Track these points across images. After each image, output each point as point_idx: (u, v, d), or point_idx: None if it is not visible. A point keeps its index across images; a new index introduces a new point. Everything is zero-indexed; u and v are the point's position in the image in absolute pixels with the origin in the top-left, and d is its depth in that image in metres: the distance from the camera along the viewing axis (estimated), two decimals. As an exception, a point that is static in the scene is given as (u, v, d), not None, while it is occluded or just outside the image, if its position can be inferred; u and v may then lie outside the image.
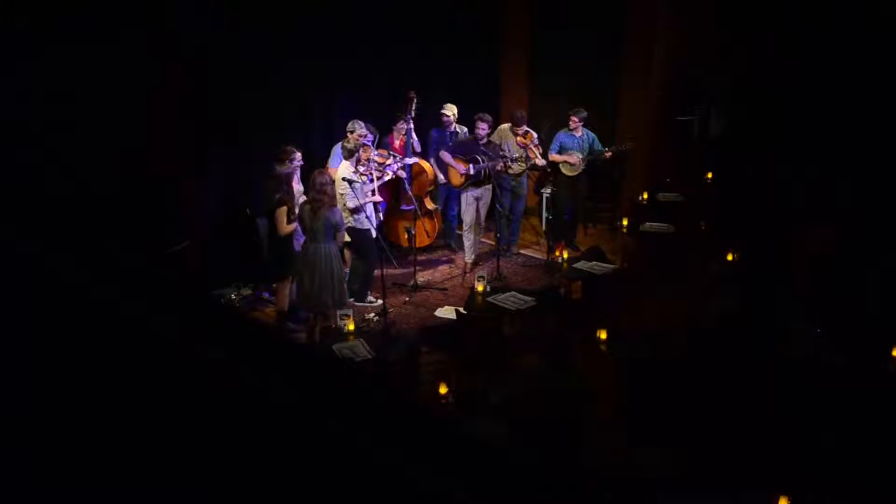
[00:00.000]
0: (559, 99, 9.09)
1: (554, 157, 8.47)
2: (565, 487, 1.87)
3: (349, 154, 7.02)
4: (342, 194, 6.88)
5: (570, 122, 8.39)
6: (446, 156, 7.97)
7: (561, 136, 8.46)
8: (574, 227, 8.91)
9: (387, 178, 7.57)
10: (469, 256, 8.21)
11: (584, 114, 8.34)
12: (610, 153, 8.43)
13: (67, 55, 6.05)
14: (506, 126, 8.57)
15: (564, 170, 8.48)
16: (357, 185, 6.87)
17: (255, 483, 2.07)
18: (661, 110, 9.16)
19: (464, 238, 8.22)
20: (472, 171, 7.82)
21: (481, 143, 7.91)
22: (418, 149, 8.20)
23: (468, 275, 8.09)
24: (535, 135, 8.35)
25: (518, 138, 8.33)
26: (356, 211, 6.93)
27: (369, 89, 8.61)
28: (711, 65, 8.86)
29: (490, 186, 8.04)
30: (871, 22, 7.38)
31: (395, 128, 8.07)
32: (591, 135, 8.44)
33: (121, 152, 6.50)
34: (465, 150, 7.93)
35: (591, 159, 8.44)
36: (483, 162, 7.79)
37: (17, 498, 2.25)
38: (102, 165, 6.33)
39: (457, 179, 8.00)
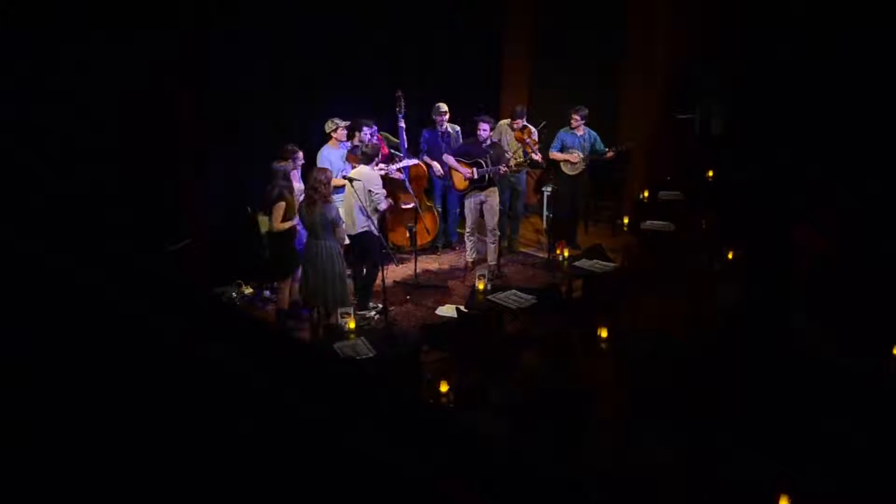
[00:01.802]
0: (560, 98, 9.08)
1: (555, 155, 8.43)
2: (565, 487, 1.87)
3: (369, 159, 6.93)
4: (376, 195, 6.78)
5: (572, 121, 8.34)
6: (450, 160, 7.93)
7: (562, 134, 8.43)
8: (575, 225, 8.88)
9: (399, 175, 7.81)
10: (471, 256, 8.19)
11: (586, 111, 8.28)
12: (612, 153, 8.38)
13: (68, 55, 6.06)
14: (504, 122, 8.58)
15: (565, 168, 8.46)
16: (359, 185, 6.84)
17: (255, 482, 2.08)
18: (661, 109, 9.16)
19: (466, 240, 8.21)
20: (475, 176, 7.78)
21: (484, 144, 7.86)
22: (405, 144, 8.17)
23: (469, 273, 8.10)
24: (533, 130, 8.34)
25: (515, 133, 8.35)
26: (375, 213, 6.89)
27: (369, 89, 8.61)
28: (711, 64, 8.86)
29: (495, 189, 7.99)
30: (872, 21, 7.37)
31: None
32: (594, 134, 8.39)
33: (121, 152, 6.51)
34: (469, 154, 7.87)
35: (593, 159, 8.40)
36: (486, 166, 7.73)
37: (19, 497, 2.25)
38: (103, 165, 6.34)
39: (461, 184, 7.95)
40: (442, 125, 8.31)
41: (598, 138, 8.40)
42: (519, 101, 9.70)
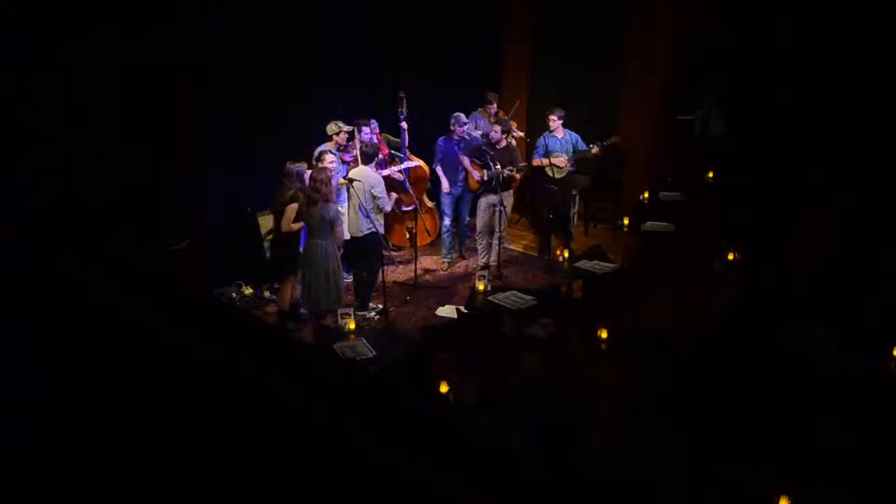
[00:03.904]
0: (560, 98, 9.05)
1: (540, 161, 8.18)
2: (565, 487, 1.87)
3: (369, 159, 6.93)
4: (380, 198, 6.80)
5: (550, 123, 8.09)
6: (465, 161, 7.97)
7: (544, 139, 8.18)
8: (567, 227, 8.76)
9: (400, 176, 7.84)
10: (482, 260, 8.13)
11: (562, 112, 8.08)
12: (596, 150, 8.10)
13: (68, 56, 6.05)
14: (479, 109, 8.76)
15: (552, 172, 8.17)
16: (358, 185, 6.84)
17: (255, 482, 2.08)
18: (661, 110, 9.15)
19: (477, 243, 8.18)
20: (485, 178, 7.78)
21: (498, 146, 7.85)
22: (406, 145, 8.15)
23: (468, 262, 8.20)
24: (506, 113, 8.52)
25: (491, 119, 8.53)
26: (379, 214, 6.89)
27: (370, 89, 8.61)
28: (711, 64, 8.85)
29: (510, 192, 7.96)
30: (871, 22, 7.37)
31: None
32: (575, 135, 8.19)
33: (121, 152, 6.50)
34: (477, 156, 7.87)
35: (577, 159, 8.25)
36: (494, 169, 7.67)
37: (19, 496, 2.25)
38: (103, 165, 6.34)
39: (473, 184, 8.00)
40: (461, 133, 8.15)
41: (579, 139, 8.20)
42: (519, 101, 9.71)
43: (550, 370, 5.96)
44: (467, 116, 8.38)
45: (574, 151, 8.18)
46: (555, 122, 8.10)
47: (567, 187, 8.43)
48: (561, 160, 8.14)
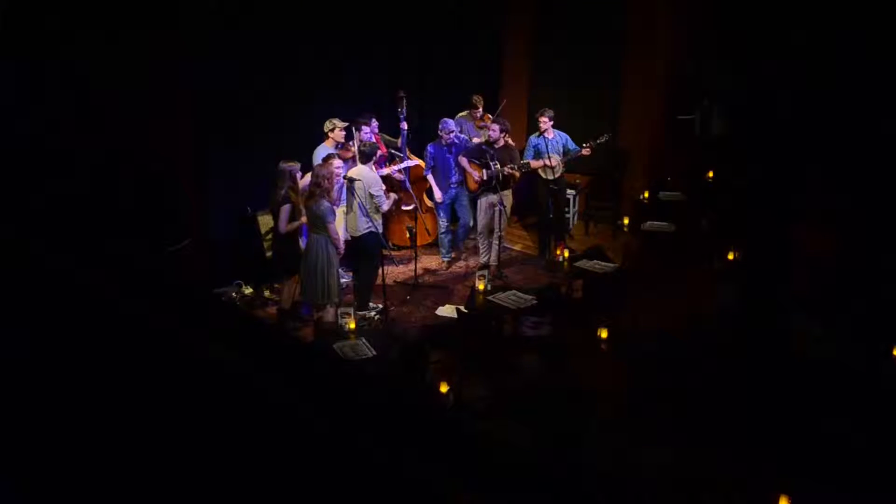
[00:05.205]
0: (560, 98, 9.06)
1: (532, 163, 8.16)
2: (565, 487, 1.88)
3: (367, 158, 6.94)
4: (377, 197, 6.80)
5: (540, 124, 8.03)
6: (464, 161, 7.95)
7: (533, 140, 8.15)
8: (562, 227, 8.75)
9: (400, 176, 7.86)
10: (483, 259, 8.10)
11: (552, 113, 8.03)
12: (589, 149, 8.00)
13: (67, 55, 6.06)
14: (463, 113, 8.74)
15: (544, 173, 8.16)
16: (358, 185, 6.84)
17: (255, 482, 2.08)
18: (661, 109, 9.15)
19: (479, 243, 8.16)
20: (485, 178, 7.76)
21: (496, 146, 7.83)
22: (406, 145, 8.13)
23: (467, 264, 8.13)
24: (490, 116, 8.52)
25: (477, 122, 8.55)
26: (377, 213, 6.90)
27: (370, 89, 8.61)
28: (711, 64, 8.85)
29: (509, 192, 7.94)
30: (871, 21, 7.37)
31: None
32: (564, 135, 8.16)
33: (121, 152, 6.51)
34: (477, 155, 7.85)
35: (568, 160, 8.24)
36: (494, 168, 7.65)
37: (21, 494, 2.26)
38: (103, 165, 6.34)
39: (472, 185, 7.99)
40: (449, 139, 8.09)
41: (569, 139, 8.15)
42: (519, 100, 9.71)
43: (551, 370, 5.97)
44: (454, 120, 8.37)
45: (564, 152, 8.16)
46: (545, 123, 8.04)
47: (563, 187, 8.47)
48: (554, 159, 8.13)
